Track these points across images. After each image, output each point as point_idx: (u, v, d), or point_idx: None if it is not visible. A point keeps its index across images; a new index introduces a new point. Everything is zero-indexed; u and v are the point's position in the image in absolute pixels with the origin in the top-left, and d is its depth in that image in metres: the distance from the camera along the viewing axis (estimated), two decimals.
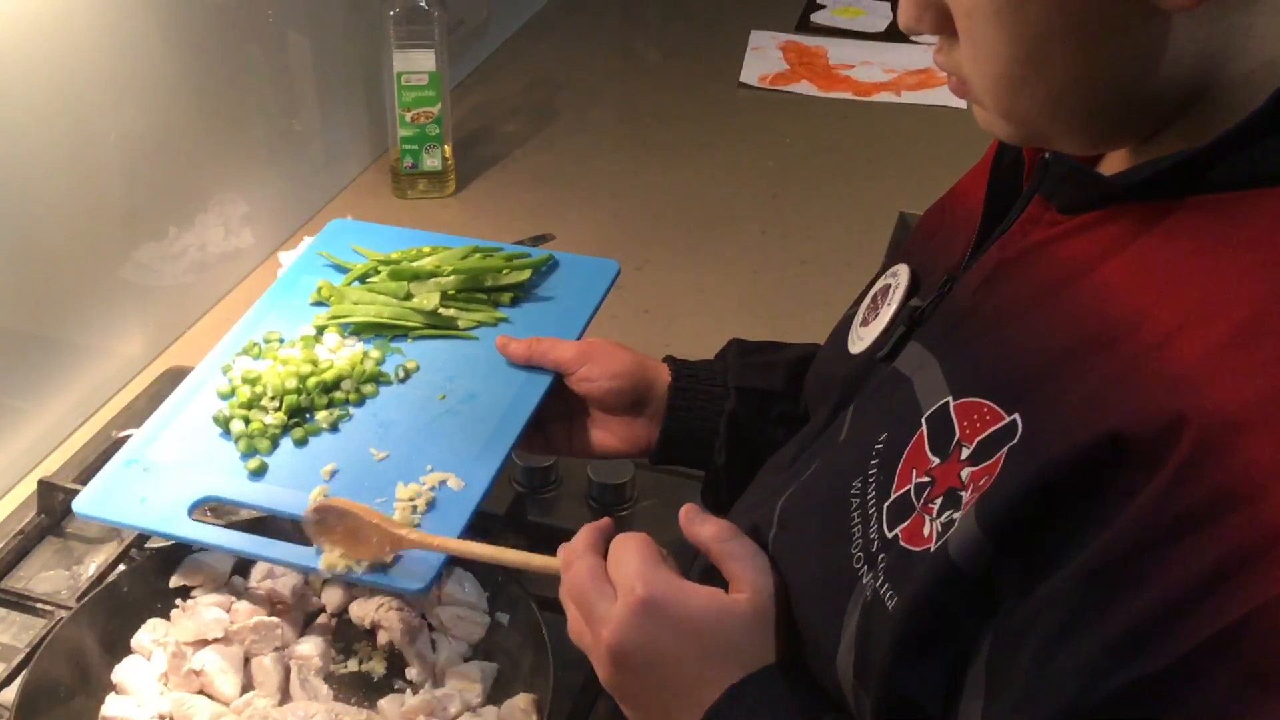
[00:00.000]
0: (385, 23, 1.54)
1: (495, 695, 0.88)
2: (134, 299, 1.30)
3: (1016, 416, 0.56)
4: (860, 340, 0.77)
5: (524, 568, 0.79)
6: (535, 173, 1.73)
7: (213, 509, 0.97)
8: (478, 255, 1.12)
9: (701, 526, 0.72)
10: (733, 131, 1.87)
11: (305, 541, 0.87)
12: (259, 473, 0.92)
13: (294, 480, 0.91)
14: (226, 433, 0.95)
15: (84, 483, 1.08)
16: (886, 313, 0.76)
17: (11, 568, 1.03)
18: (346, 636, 0.94)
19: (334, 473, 0.91)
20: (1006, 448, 0.55)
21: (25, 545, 1.05)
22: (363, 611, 0.93)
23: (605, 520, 0.75)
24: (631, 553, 0.70)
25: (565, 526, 1.05)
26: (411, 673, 0.91)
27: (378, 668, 0.92)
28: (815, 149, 1.82)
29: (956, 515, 0.57)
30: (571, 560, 0.72)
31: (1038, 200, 0.65)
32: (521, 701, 0.86)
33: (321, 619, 0.94)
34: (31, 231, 1.13)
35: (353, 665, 0.93)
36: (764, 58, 2.09)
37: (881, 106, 1.94)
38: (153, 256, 1.31)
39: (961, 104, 1.90)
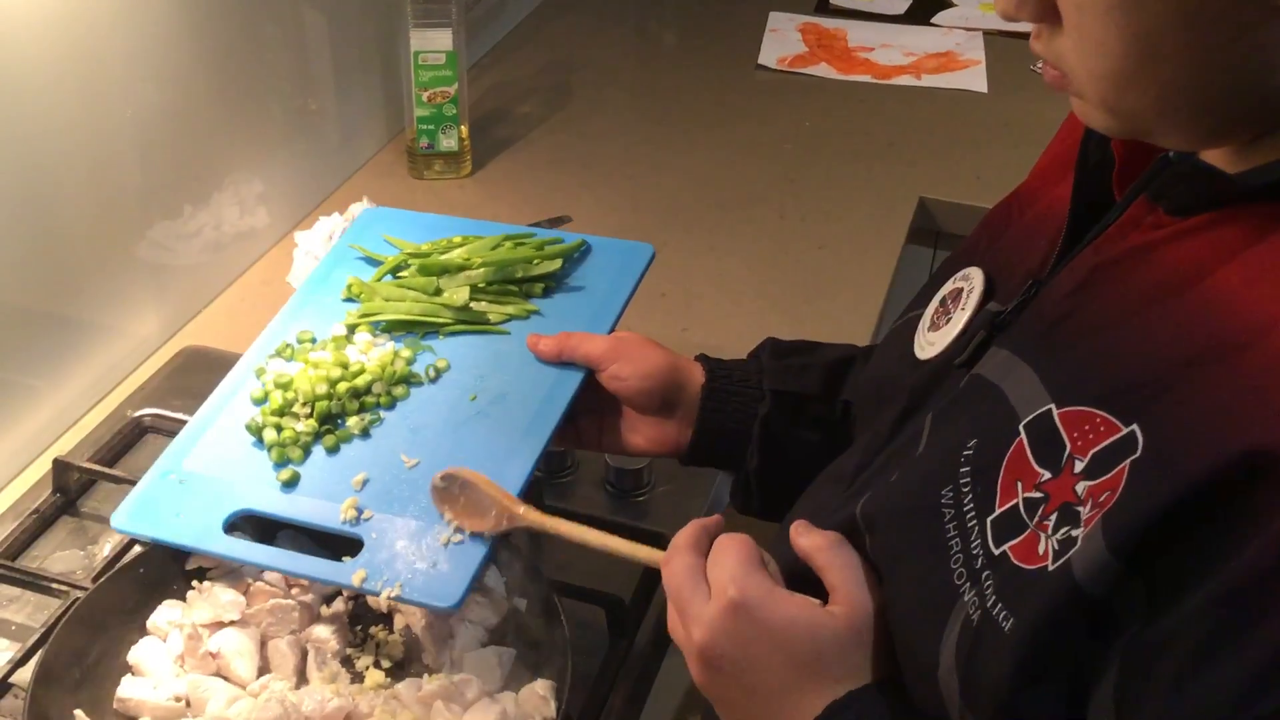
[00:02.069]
0: (402, 1, 1.53)
1: (512, 681, 0.87)
2: (149, 278, 1.29)
3: (1135, 428, 0.54)
4: (930, 345, 0.75)
5: (630, 557, 0.79)
6: (552, 154, 1.72)
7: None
8: (509, 244, 1.10)
9: (806, 536, 0.70)
10: (750, 114, 1.86)
11: (336, 556, 0.88)
12: (291, 484, 0.92)
13: (326, 490, 0.92)
14: (259, 441, 0.95)
15: (99, 462, 1.09)
16: (960, 317, 0.73)
17: (26, 547, 1.03)
18: (363, 620, 0.94)
19: (365, 482, 0.92)
20: (1129, 461, 0.54)
21: (40, 524, 1.05)
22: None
23: (715, 517, 0.74)
24: (731, 554, 0.68)
25: (582, 512, 1.06)
26: (428, 657, 0.90)
27: (394, 652, 0.92)
28: (834, 132, 1.80)
29: (1075, 532, 0.55)
30: (671, 556, 0.72)
31: (1141, 201, 0.62)
32: (539, 687, 0.85)
33: (338, 602, 0.94)
34: (46, 209, 1.13)
35: (369, 649, 0.92)
36: (782, 39, 2.07)
37: (901, 90, 1.93)
38: (168, 235, 1.30)
39: (983, 88, 1.91)
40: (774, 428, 0.94)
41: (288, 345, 1.04)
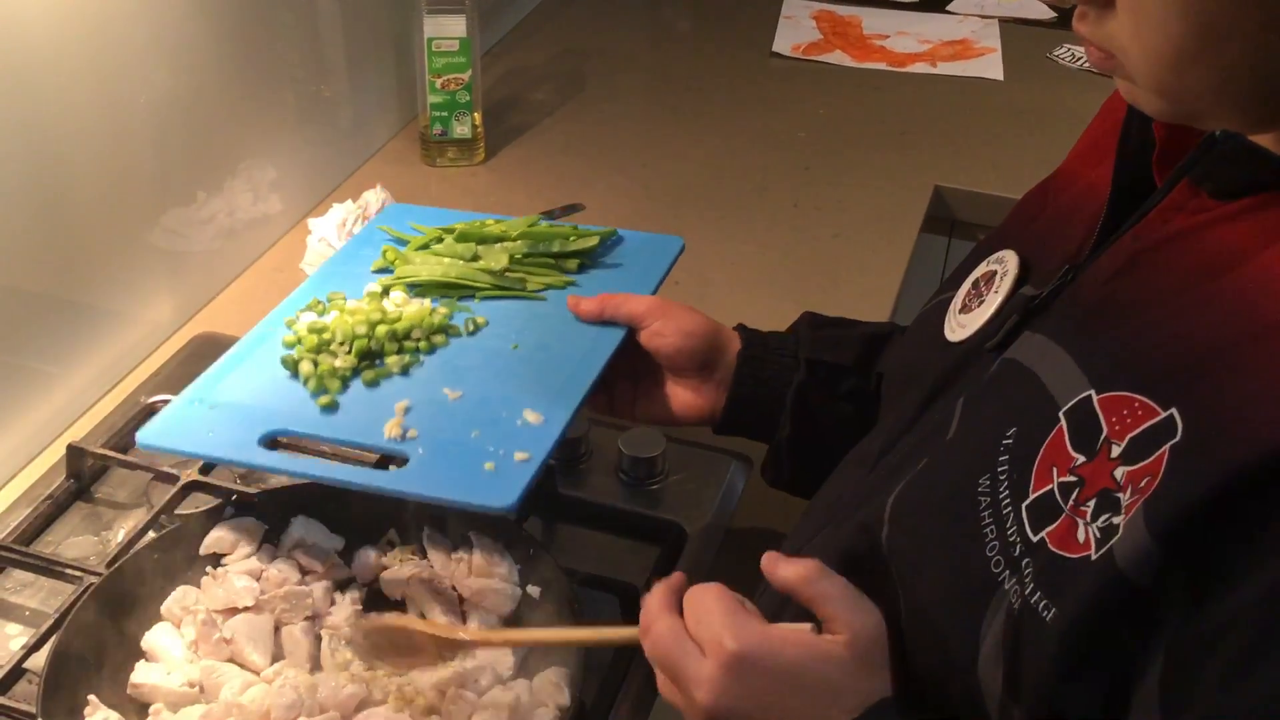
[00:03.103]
0: None
1: (526, 668, 0.87)
2: (162, 264, 1.29)
3: (1174, 412, 0.53)
4: (961, 328, 0.74)
5: (600, 643, 0.77)
6: (565, 141, 1.72)
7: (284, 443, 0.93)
8: (544, 226, 1.11)
9: (786, 569, 0.68)
10: (764, 102, 1.85)
11: (380, 466, 0.85)
12: (330, 408, 0.89)
13: (366, 416, 0.89)
14: (295, 375, 0.93)
15: (113, 448, 1.09)
16: (993, 300, 0.73)
17: (40, 532, 1.03)
18: (377, 607, 0.93)
19: (408, 409, 0.89)
20: (1168, 446, 0.53)
21: (54, 510, 1.05)
22: (393, 583, 0.92)
23: (676, 575, 0.73)
24: (711, 606, 0.67)
25: (595, 500, 1.06)
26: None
27: None
28: (849, 120, 1.79)
29: (1117, 520, 0.54)
30: (649, 624, 0.69)
31: (1184, 185, 0.61)
32: (552, 675, 0.85)
33: (352, 589, 0.94)
34: (60, 196, 1.12)
35: None
36: (797, 26, 2.06)
37: (916, 78, 1.92)
38: (181, 222, 1.30)
39: (998, 76, 1.90)
40: (808, 397, 0.94)
41: (319, 302, 1.01)
